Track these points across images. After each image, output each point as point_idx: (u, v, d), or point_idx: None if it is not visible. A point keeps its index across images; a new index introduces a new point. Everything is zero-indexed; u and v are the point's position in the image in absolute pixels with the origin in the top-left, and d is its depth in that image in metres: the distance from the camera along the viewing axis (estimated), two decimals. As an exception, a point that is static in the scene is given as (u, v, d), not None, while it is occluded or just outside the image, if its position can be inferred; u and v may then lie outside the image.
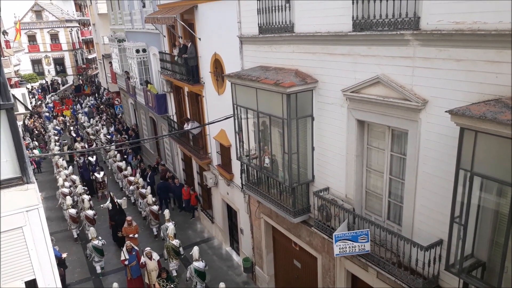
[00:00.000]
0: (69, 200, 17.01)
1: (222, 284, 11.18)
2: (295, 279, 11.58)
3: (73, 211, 16.74)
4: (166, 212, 15.07)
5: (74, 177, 20.27)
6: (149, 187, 17.90)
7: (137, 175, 19.70)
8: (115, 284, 11.45)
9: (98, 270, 14.51)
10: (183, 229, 17.00)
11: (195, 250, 12.54)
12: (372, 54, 6.92)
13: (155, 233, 16.74)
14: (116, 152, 22.72)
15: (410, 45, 6.19)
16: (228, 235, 15.73)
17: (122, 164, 21.43)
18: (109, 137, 26.77)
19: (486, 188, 5.18)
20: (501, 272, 5.01)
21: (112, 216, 16.11)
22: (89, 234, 14.81)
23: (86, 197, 17.10)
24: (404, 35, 6.18)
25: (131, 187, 19.13)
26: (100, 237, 14.58)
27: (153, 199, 16.85)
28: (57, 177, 20.23)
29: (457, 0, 5.43)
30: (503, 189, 4.99)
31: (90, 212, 16.37)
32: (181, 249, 13.84)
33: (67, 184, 18.83)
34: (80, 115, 34.97)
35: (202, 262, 12.52)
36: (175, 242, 13.65)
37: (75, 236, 16.94)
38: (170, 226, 14.23)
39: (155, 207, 16.50)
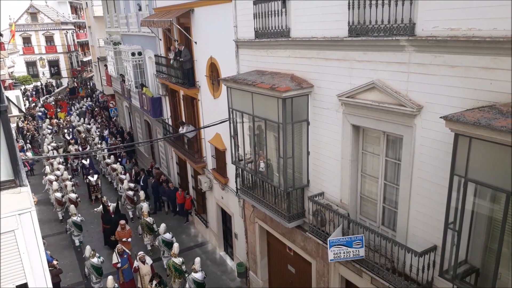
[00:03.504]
0: (55, 185, 18.89)
1: (197, 259, 12.21)
2: (289, 284, 11.54)
3: (58, 194, 18.54)
4: (141, 194, 17.02)
5: (60, 166, 21.72)
6: (126, 177, 19.29)
7: (118, 164, 21.32)
8: (110, 277, 11.86)
9: (77, 243, 16.40)
10: (176, 233, 16.84)
11: (162, 226, 14.25)
12: (367, 60, 6.95)
13: (131, 216, 18.34)
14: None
15: (406, 51, 6.23)
16: (222, 239, 15.67)
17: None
18: (99, 133, 27.62)
19: (480, 194, 5.20)
20: (494, 279, 5.01)
21: (105, 220, 16.05)
22: (69, 211, 16.63)
23: (69, 183, 19.05)
24: (399, 41, 6.22)
25: (114, 173, 21.08)
26: (79, 214, 16.31)
27: (131, 185, 18.52)
28: (45, 165, 21.84)
29: (452, 7, 5.47)
30: (497, 195, 5.01)
31: (73, 195, 18.26)
32: (154, 226, 15.37)
33: (58, 172, 20.70)
34: (72, 117, 34.92)
35: (170, 234, 14.21)
36: (149, 219, 15.41)
37: (60, 218, 18.69)
38: (144, 205, 15.93)
39: (131, 192, 18.17)
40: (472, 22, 5.24)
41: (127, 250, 13.45)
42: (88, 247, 13.46)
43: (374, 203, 7.72)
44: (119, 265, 12.88)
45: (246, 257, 13.26)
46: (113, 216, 15.98)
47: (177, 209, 17.95)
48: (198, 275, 11.99)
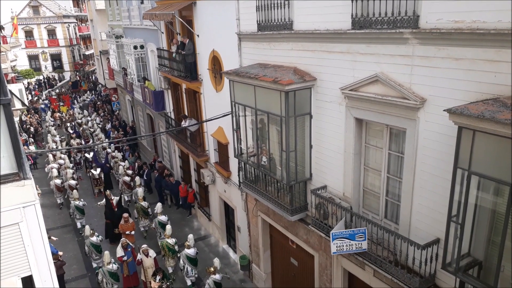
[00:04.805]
0: (55, 172, 19.76)
1: (190, 236, 13.07)
2: (292, 277, 11.60)
3: (58, 181, 19.40)
4: (137, 179, 17.93)
5: (64, 156, 22.30)
6: (125, 164, 20.09)
7: (116, 152, 22.26)
8: (107, 252, 12.74)
9: (79, 225, 17.11)
10: (179, 227, 16.98)
11: (158, 206, 15.08)
12: (371, 52, 6.91)
13: (127, 199, 19.07)
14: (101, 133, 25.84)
15: (409, 44, 6.19)
16: (225, 232, 15.72)
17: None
18: (101, 126, 27.93)
19: (484, 187, 5.18)
20: (497, 271, 5.02)
21: (107, 214, 16.13)
22: (71, 196, 17.49)
23: (69, 170, 19.87)
24: (403, 34, 6.18)
25: (113, 160, 21.75)
26: (81, 199, 17.21)
27: (128, 171, 19.36)
28: (48, 155, 22.72)
29: (457, -1, 5.44)
30: (500, 188, 5.00)
31: (73, 182, 19.18)
32: (149, 209, 16.32)
33: (61, 161, 21.43)
34: (75, 109, 35.03)
35: (165, 216, 14.95)
36: (144, 203, 16.18)
37: (59, 202, 19.62)
38: (139, 190, 16.54)
39: (127, 178, 19.01)
40: (477, 14, 5.20)
41: (131, 244, 13.52)
42: (87, 227, 14.32)
43: (377, 196, 7.73)
44: (125, 258, 12.95)
45: (249, 250, 13.31)
46: (116, 210, 16.04)
47: (180, 202, 18.02)
48: (191, 251, 12.74)
